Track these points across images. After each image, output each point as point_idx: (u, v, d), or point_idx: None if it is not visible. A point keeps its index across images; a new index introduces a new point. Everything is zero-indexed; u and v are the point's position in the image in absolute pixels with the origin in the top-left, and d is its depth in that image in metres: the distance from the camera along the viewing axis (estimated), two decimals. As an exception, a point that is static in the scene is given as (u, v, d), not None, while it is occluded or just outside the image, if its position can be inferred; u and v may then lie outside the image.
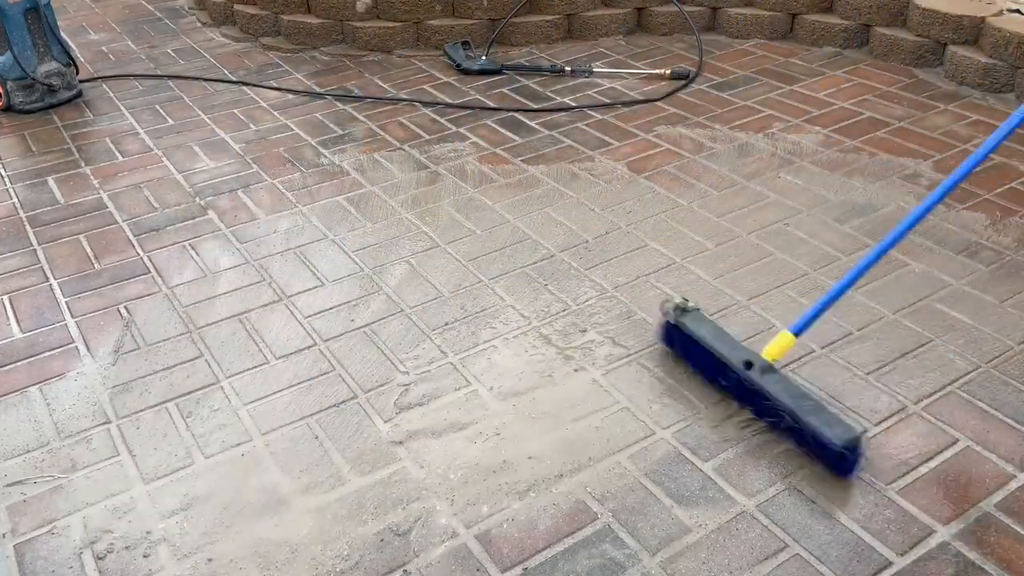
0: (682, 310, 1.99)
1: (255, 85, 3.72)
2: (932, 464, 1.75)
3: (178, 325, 2.25)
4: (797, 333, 1.85)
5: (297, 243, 2.58)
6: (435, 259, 2.48)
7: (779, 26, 3.93)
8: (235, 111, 3.49)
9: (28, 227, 2.73)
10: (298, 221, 2.70)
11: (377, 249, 2.53)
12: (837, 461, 1.70)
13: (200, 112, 3.50)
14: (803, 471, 1.74)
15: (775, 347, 1.84)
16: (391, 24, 3.97)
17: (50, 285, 2.44)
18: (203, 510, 1.72)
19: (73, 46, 4.19)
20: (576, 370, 2.04)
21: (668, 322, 2.02)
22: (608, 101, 3.41)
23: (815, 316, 1.85)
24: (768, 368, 1.83)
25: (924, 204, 1.82)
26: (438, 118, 3.35)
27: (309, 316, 2.26)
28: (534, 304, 2.27)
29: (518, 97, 3.50)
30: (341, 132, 3.27)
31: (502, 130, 3.23)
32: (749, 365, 1.84)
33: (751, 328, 2.14)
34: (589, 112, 3.33)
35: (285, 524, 1.68)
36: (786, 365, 2.00)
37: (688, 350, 2.00)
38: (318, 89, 3.64)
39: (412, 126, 3.29)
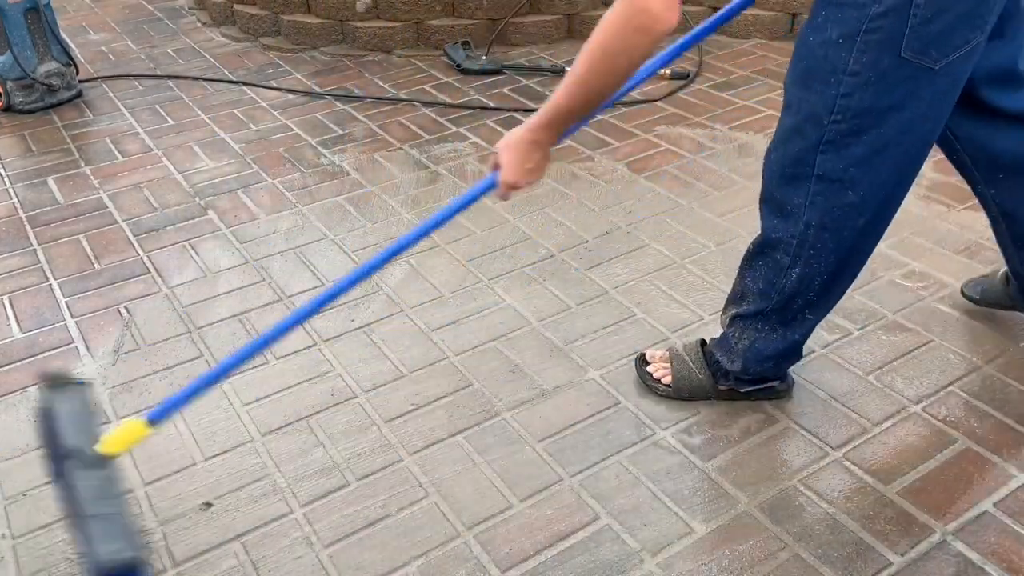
0: (54, 382, 1.57)
1: (255, 85, 3.72)
2: (932, 464, 1.75)
3: (178, 325, 2.25)
4: (153, 422, 1.50)
5: (297, 243, 2.58)
6: (435, 259, 2.48)
7: (779, 26, 3.93)
8: (235, 111, 3.49)
9: (28, 227, 2.73)
10: (298, 221, 2.70)
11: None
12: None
13: (200, 112, 3.50)
14: (803, 471, 1.75)
15: (116, 437, 1.48)
16: (391, 24, 3.97)
17: (50, 285, 2.44)
18: (203, 511, 1.72)
19: (73, 46, 4.19)
20: (577, 370, 2.04)
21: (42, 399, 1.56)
22: (608, 101, 3.40)
23: (176, 406, 1.54)
24: (92, 460, 1.43)
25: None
26: (438, 118, 3.35)
27: (309, 316, 2.26)
28: (534, 304, 2.27)
29: (518, 97, 3.50)
30: (341, 132, 3.27)
31: (502, 130, 3.23)
32: (72, 453, 1.42)
33: (751, 328, 2.14)
34: (589, 112, 3.33)
35: (285, 525, 1.68)
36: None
37: (49, 437, 1.52)
38: (318, 89, 3.64)
39: (412, 126, 3.29)
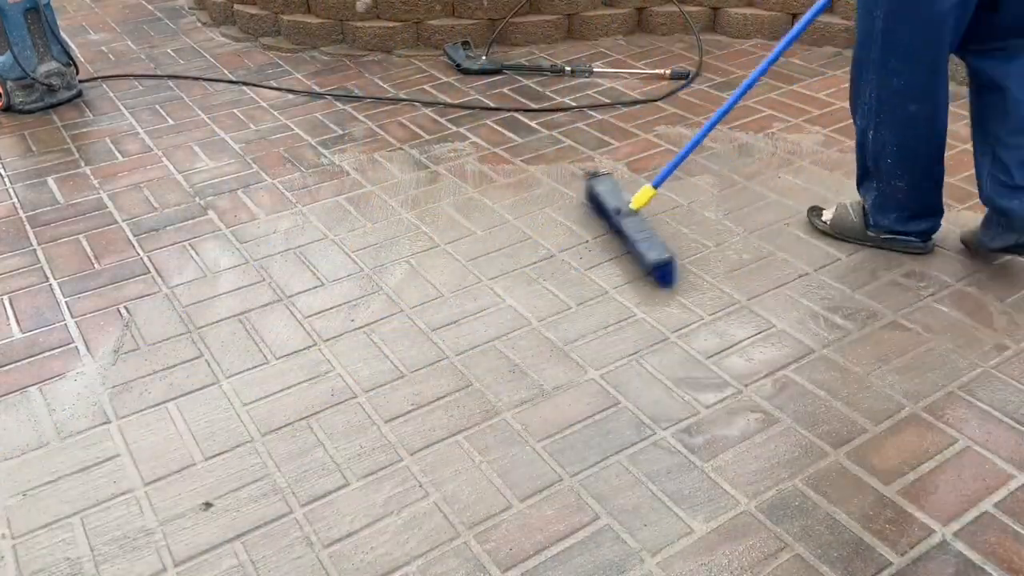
0: (594, 175, 2.68)
1: (255, 85, 3.72)
2: (932, 464, 1.75)
3: (178, 325, 2.25)
4: (656, 186, 2.47)
5: (297, 243, 2.58)
6: (435, 259, 2.48)
7: (779, 26, 3.93)
8: (235, 111, 3.49)
9: (28, 227, 2.73)
10: (298, 221, 2.70)
11: (377, 249, 2.53)
12: (652, 274, 2.31)
13: (200, 112, 3.50)
14: (803, 471, 1.75)
15: (638, 197, 2.47)
16: (391, 24, 3.97)
17: (50, 285, 2.44)
18: (203, 511, 1.72)
19: (73, 46, 4.19)
20: (577, 370, 2.04)
21: (587, 185, 2.66)
22: (608, 101, 3.41)
23: (672, 169, 2.47)
24: (630, 213, 2.46)
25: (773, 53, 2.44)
26: (438, 118, 3.35)
27: (309, 316, 2.26)
28: (534, 304, 2.27)
29: (518, 97, 3.50)
30: (341, 132, 3.27)
31: (502, 130, 3.23)
32: (618, 211, 2.47)
33: (751, 328, 2.14)
34: (589, 112, 3.33)
35: (285, 525, 1.69)
36: (786, 366, 2.01)
37: (596, 207, 2.60)
38: (318, 89, 3.64)
39: (412, 126, 3.29)
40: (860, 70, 2.21)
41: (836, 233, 2.45)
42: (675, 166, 2.46)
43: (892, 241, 2.38)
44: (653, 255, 2.29)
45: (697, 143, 2.44)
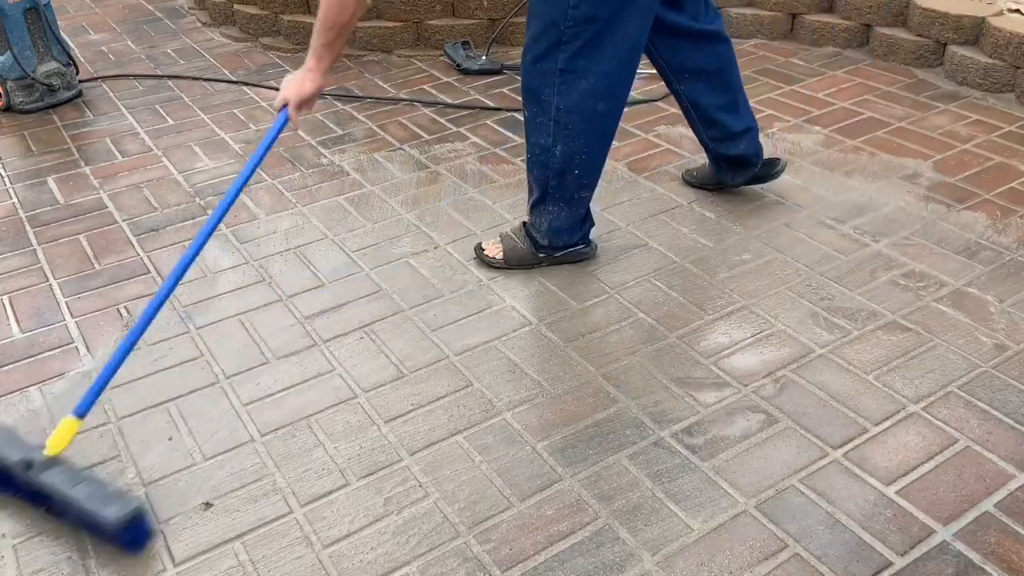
0: None
1: (255, 85, 3.72)
2: (932, 464, 1.75)
3: (178, 325, 2.25)
4: (80, 416, 1.72)
5: (297, 243, 2.58)
6: (435, 259, 2.48)
7: (779, 26, 3.93)
8: (235, 111, 3.49)
9: (28, 227, 2.73)
10: (298, 221, 2.70)
11: (377, 249, 2.53)
12: (117, 539, 1.61)
13: (200, 112, 3.50)
14: (803, 471, 1.75)
15: (56, 438, 1.70)
16: (391, 24, 3.97)
17: (50, 285, 2.44)
18: (203, 511, 1.72)
19: (73, 46, 4.19)
20: (577, 370, 2.04)
21: None
22: (608, 101, 3.40)
23: (98, 393, 1.75)
24: (48, 464, 1.67)
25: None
26: (438, 118, 3.35)
27: (309, 316, 2.26)
28: (534, 304, 2.27)
29: (518, 97, 3.48)
30: (341, 132, 3.27)
31: (502, 130, 3.23)
32: (29, 465, 1.67)
33: (751, 328, 2.14)
34: (589, 112, 3.33)
35: (285, 525, 1.69)
36: (786, 366, 2.01)
37: None
38: (318, 89, 3.64)
39: (412, 126, 3.29)
40: (541, 85, 2.11)
41: (510, 264, 2.38)
42: (100, 389, 1.75)
43: (566, 256, 2.37)
44: (112, 511, 1.58)
45: (128, 350, 1.81)
